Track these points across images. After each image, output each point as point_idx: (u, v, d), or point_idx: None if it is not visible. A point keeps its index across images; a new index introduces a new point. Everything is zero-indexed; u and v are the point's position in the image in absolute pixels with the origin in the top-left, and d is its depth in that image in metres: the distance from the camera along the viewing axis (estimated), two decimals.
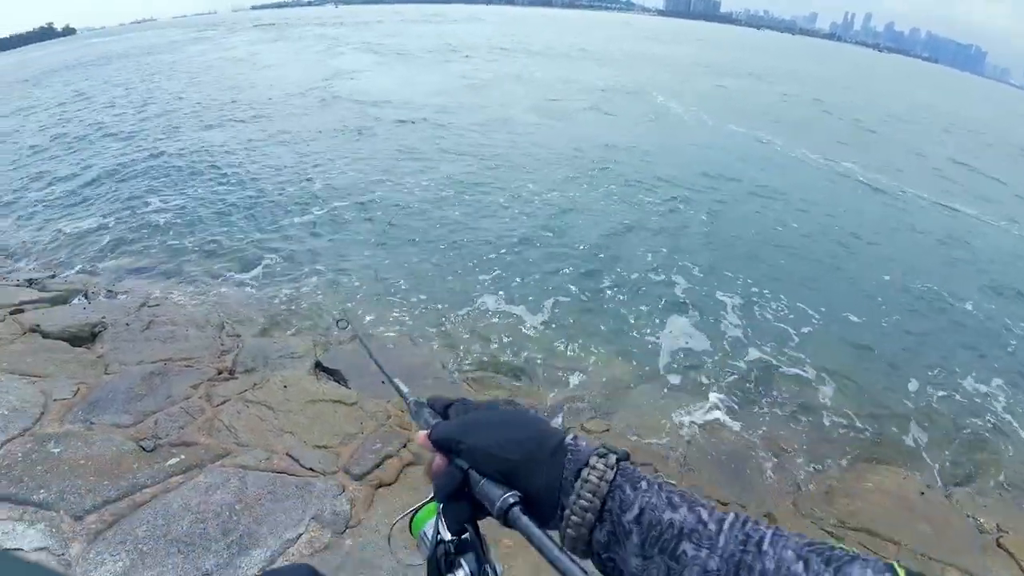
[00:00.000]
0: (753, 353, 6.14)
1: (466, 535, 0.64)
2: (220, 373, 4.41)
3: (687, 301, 7.04)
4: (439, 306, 6.44)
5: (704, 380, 5.62)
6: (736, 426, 4.96)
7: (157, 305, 5.94)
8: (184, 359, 4.61)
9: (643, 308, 6.78)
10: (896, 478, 4.54)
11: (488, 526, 0.64)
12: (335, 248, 7.82)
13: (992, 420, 5.68)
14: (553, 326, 6.27)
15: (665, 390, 5.38)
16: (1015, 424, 5.69)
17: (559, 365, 5.57)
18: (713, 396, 5.38)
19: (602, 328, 6.31)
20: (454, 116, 16.13)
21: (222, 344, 5.12)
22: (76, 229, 8.53)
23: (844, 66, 66.02)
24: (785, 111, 22.32)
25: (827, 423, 5.20)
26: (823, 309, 7.20)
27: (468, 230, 8.54)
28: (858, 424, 5.25)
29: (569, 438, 0.61)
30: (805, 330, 6.71)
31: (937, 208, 12.23)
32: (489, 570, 0.64)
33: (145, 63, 31.46)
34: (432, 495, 0.68)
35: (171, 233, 8.23)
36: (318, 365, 4.89)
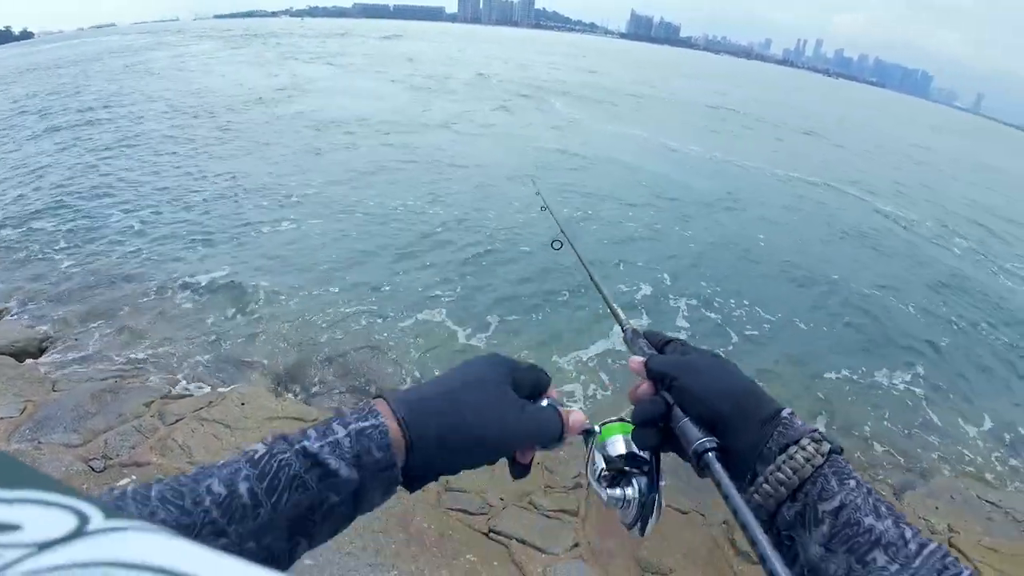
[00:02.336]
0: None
1: (646, 461, 0.67)
2: (174, 389, 4.31)
3: (650, 306, 7.26)
4: (384, 316, 6.43)
5: None
6: None
7: (107, 318, 5.75)
8: (136, 375, 4.48)
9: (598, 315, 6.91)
10: None
11: None
12: (289, 259, 7.70)
13: (939, 422, 6.06)
14: (499, 334, 6.34)
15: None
16: (963, 425, 6.10)
17: None
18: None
19: (553, 338, 6.40)
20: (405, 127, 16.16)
21: (176, 359, 5.00)
22: (18, 237, 8.17)
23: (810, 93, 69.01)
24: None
25: None
26: (776, 316, 7.57)
27: (420, 237, 8.57)
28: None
29: (786, 411, 0.60)
30: (757, 336, 7.01)
31: (880, 215, 12.96)
32: (658, 497, 0.67)
33: (104, 68, 30.46)
34: (620, 416, 0.72)
35: (119, 243, 7.95)
36: (278, 381, 4.82)
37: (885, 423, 5.90)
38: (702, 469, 0.58)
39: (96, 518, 0.24)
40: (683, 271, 8.63)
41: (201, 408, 3.96)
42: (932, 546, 0.49)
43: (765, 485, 0.55)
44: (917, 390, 6.61)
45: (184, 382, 4.54)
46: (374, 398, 0.59)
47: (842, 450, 0.58)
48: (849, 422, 5.80)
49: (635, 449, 0.68)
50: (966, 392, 6.77)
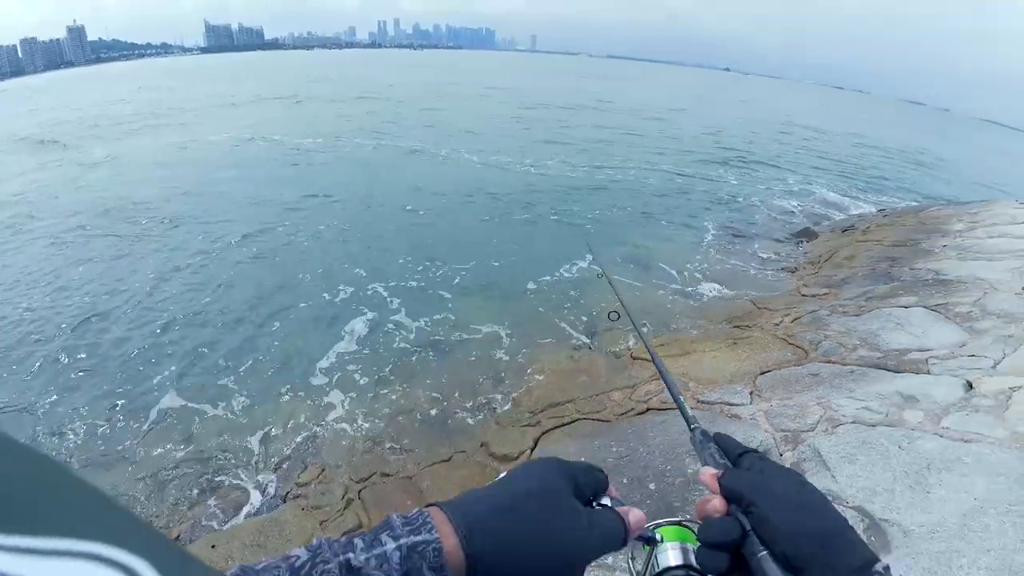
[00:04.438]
0: (417, 328, 6.65)
1: None
2: None
3: (361, 302, 7.29)
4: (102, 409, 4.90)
5: (403, 365, 5.88)
6: (433, 393, 5.35)
7: None
8: None
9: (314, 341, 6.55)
10: (549, 357, 5.71)
11: None
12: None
13: (653, 271, 7.90)
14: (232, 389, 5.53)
15: (361, 410, 5.32)
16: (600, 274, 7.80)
17: (247, 424, 5.03)
18: (411, 378, 5.64)
19: (274, 381, 5.82)
20: None
21: None
22: None
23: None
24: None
25: (498, 355, 6.03)
26: (470, 262, 8.51)
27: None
28: (507, 341, 6.29)
29: (880, 566, 0.53)
30: (452, 288, 7.72)
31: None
32: None
33: None
34: (678, 519, 0.69)
35: None
36: None
37: (581, 301, 7.24)
38: None
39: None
40: (367, 260, 8.74)
41: None
42: None
43: None
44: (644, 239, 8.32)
45: None
46: (427, 505, 0.54)
47: None
48: (577, 301, 7.06)
49: (693, 562, 0.64)
50: (663, 226, 9.01)
